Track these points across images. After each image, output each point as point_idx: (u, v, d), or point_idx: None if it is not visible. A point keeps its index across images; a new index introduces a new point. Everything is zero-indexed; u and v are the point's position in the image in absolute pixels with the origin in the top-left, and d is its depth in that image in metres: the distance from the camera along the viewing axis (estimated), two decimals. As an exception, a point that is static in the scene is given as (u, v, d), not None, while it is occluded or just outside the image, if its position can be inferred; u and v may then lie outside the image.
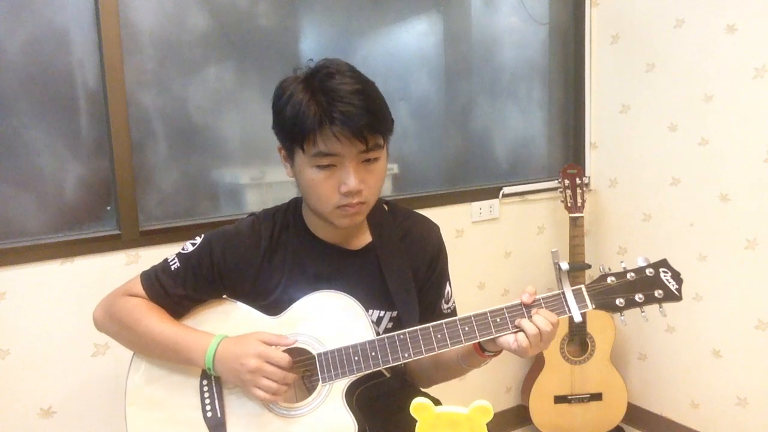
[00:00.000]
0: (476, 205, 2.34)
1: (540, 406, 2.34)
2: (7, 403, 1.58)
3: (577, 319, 1.05)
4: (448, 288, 1.26)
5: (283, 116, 1.04)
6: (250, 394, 1.06)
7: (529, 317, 1.04)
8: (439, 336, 1.05)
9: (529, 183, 2.49)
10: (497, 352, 1.10)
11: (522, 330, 1.02)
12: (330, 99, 0.99)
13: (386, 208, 1.24)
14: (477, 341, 1.06)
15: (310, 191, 1.07)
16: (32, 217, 1.61)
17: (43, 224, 1.62)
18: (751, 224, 2.07)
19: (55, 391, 1.63)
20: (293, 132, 1.02)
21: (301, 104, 1.00)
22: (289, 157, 1.09)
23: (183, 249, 1.17)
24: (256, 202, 1.94)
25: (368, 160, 1.05)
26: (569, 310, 1.05)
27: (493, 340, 1.06)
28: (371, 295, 1.15)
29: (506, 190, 2.41)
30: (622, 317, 1.08)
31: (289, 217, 1.19)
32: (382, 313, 1.17)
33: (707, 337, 2.24)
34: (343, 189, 1.03)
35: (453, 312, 1.27)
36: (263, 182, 1.95)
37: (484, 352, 1.10)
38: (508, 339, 1.05)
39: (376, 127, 1.02)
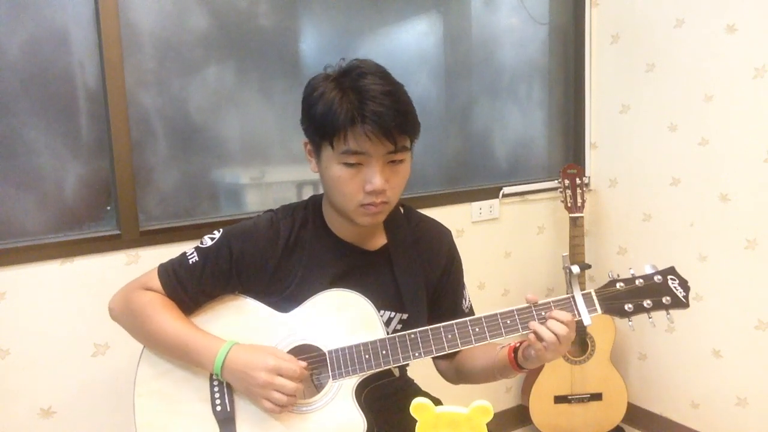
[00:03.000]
0: (476, 205, 2.34)
1: (540, 406, 2.34)
2: (7, 403, 1.58)
3: (587, 323, 1.06)
4: (464, 290, 1.29)
5: (313, 112, 1.05)
6: (258, 404, 1.06)
7: (541, 320, 1.05)
8: (449, 336, 1.07)
9: (529, 183, 2.49)
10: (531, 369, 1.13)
11: (538, 336, 1.03)
12: (362, 98, 1.01)
13: (401, 210, 1.25)
14: (486, 343, 1.07)
15: (335, 188, 1.08)
16: (32, 217, 1.61)
17: (43, 224, 1.62)
18: (751, 224, 2.07)
19: (55, 391, 1.63)
20: (323, 128, 1.03)
21: (333, 101, 1.02)
22: (316, 152, 1.10)
23: (201, 243, 1.17)
24: (256, 202, 1.94)
25: (394, 161, 1.07)
26: (579, 314, 1.06)
27: (526, 358, 1.08)
28: (383, 296, 1.16)
29: (506, 190, 2.41)
30: (630, 322, 1.09)
31: (308, 215, 1.19)
32: (392, 314, 1.18)
33: (707, 337, 2.24)
34: (368, 188, 1.04)
35: (470, 311, 1.28)
36: (263, 182, 1.95)
37: (520, 368, 1.12)
38: (530, 349, 1.06)
39: (405, 129, 1.04)
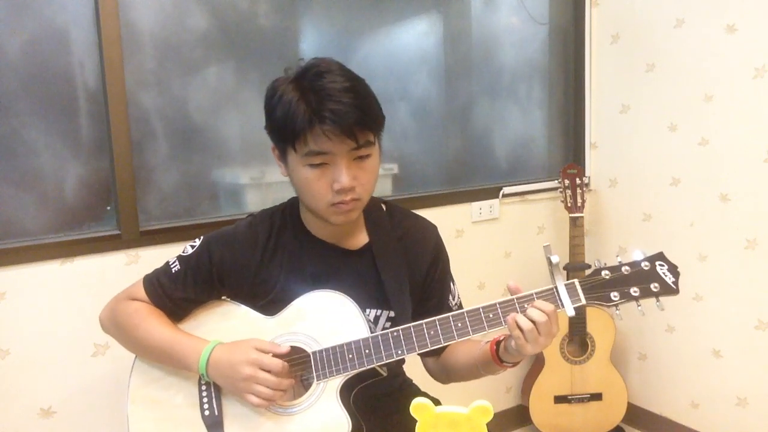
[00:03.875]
0: (476, 205, 2.34)
1: (540, 406, 2.34)
2: (7, 403, 1.58)
3: (570, 313, 1.03)
4: (452, 285, 1.27)
5: (274, 117, 1.04)
6: (244, 400, 1.06)
7: (523, 312, 1.03)
8: (432, 333, 1.06)
9: (529, 183, 2.49)
10: (515, 363, 1.11)
11: (518, 326, 1.01)
12: (319, 98, 0.99)
13: (384, 208, 1.24)
14: (469, 337, 1.06)
15: (304, 190, 1.08)
16: (32, 217, 1.61)
17: (43, 224, 1.62)
18: (751, 224, 2.07)
19: (55, 391, 1.63)
20: (284, 132, 1.03)
21: (290, 104, 1.01)
22: (283, 156, 1.10)
23: (183, 251, 1.18)
24: (256, 202, 1.94)
25: (360, 157, 1.05)
26: (562, 304, 1.03)
27: (507, 351, 1.07)
28: (368, 295, 1.16)
29: (506, 190, 2.41)
30: (617, 311, 1.06)
31: (286, 217, 1.19)
32: (379, 312, 1.18)
33: (707, 337, 2.24)
34: (336, 186, 1.04)
35: (459, 308, 1.27)
36: (263, 182, 1.95)
37: (502, 362, 1.11)
38: (510, 341, 1.05)
39: (366, 124, 1.02)
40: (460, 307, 1.27)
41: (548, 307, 1.02)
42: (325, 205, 1.06)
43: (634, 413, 2.49)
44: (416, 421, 0.89)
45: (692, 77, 2.18)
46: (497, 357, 1.11)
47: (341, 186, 1.03)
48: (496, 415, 0.91)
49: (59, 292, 1.62)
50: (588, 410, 2.34)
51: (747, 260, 2.10)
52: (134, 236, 1.70)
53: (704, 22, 2.12)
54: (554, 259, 1.04)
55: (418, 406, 0.89)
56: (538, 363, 2.37)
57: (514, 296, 1.05)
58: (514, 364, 1.11)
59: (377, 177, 1.11)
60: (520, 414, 2.53)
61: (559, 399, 2.33)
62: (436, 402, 1.01)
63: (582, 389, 2.32)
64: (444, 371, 1.26)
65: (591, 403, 2.33)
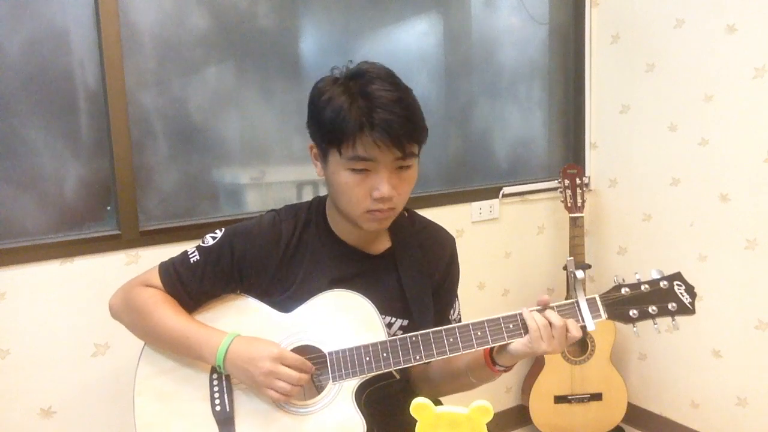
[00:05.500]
0: (476, 205, 2.34)
1: (540, 406, 2.34)
2: (7, 403, 1.58)
3: (591, 328, 1.05)
4: (455, 301, 1.27)
5: (321, 117, 1.04)
6: (262, 394, 1.06)
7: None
8: (451, 340, 1.06)
9: (529, 183, 2.49)
10: (508, 368, 1.11)
11: (534, 321, 1.03)
12: (371, 105, 1.00)
13: (405, 214, 1.24)
14: (489, 346, 1.06)
15: (342, 193, 1.07)
16: (32, 217, 1.61)
17: (43, 224, 1.62)
18: (751, 224, 2.07)
19: (55, 391, 1.63)
20: (331, 134, 1.03)
21: (342, 107, 1.01)
22: (323, 157, 1.09)
23: (203, 242, 1.17)
24: (256, 202, 1.94)
25: (401, 168, 1.06)
26: (582, 318, 1.05)
27: (506, 353, 1.07)
28: (386, 301, 1.15)
29: (506, 190, 2.41)
30: (635, 328, 1.08)
31: (311, 216, 1.19)
32: (393, 320, 1.17)
33: (707, 337, 2.24)
34: (376, 195, 1.04)
35: (458, 322, 1.25)
36: (263, 182, 1.95)
37: (495, 366, 1.10)
38: (520, 339, 1.05)
39: (413, 136, 1.03)
40: (459, 322, 1.25)
41: (573, 326, 1.04)
42: (361, 211, 1.06)
43: (634, 413, 2.49)
44: (416, 421, 0.89)
45: (692, 77, 2.18)
46: (490, 359, 1.10)
47: (381, 195, 1.03)
48: (496, 415, 0.91)
49: (59, 292, 1.61)
50: (588, 410, 2.34)
51: (747, 260, 2.10)
52: (134, 236, 1.70)
53: (704, 22, 2.13)
54: (579, 274, 1.06)
55: (418, 406, 0.89)
56: (538, 363, 2.37)
57: (535, 308, 1.06)
58: (507, 369, 1.11)
59: (413, 187, 1.11)
60: (520, 414, 2.53)
61: (559, 399, 2.33)
62: (437, 402, 1.01)
63: (582, 389, 2.32)
64: (432, 382, 1.24)
65: (591, 403, 2.33)
